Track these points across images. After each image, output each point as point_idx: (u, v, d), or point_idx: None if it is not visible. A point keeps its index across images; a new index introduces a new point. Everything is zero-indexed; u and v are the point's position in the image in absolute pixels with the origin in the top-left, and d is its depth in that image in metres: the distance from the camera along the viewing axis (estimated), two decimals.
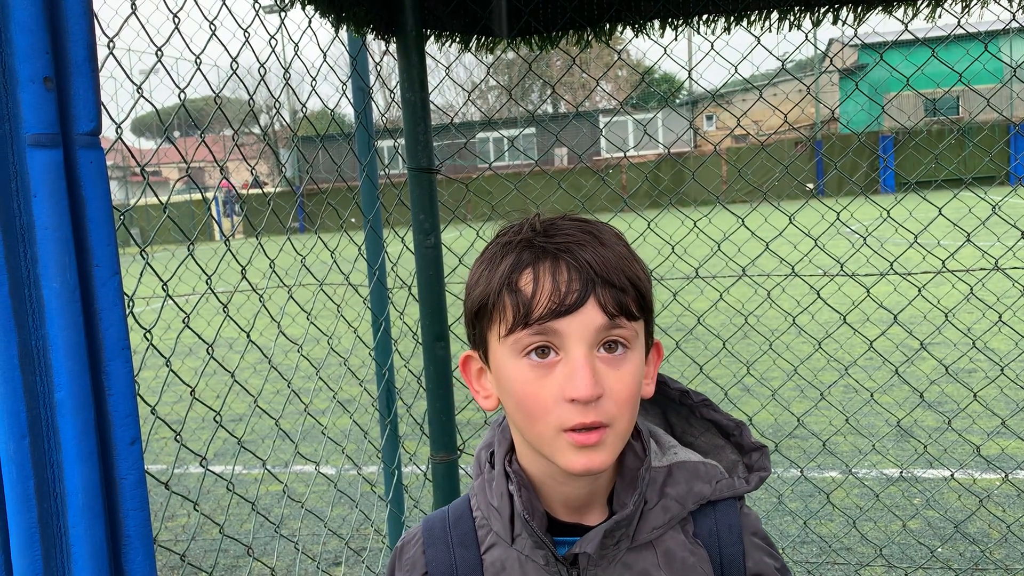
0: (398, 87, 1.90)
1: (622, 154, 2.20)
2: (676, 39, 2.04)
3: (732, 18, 1.86)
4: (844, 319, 2.19)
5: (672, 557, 0.90)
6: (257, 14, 1.68)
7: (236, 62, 1.62)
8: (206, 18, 1.52)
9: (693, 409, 1.01)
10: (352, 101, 2.57)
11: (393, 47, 1.90)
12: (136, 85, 1.40)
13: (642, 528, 0.90)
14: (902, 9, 1.81)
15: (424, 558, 0.96)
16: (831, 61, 2.14)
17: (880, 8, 1.83)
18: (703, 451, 0.99)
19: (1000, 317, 2.49)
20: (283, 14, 1.72)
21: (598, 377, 0.80)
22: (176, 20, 1.43)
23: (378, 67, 2.41)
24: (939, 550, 3.27)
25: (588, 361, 0.80)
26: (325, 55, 2.06)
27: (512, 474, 0.91)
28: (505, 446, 0.94)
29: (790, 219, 2.10)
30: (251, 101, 1.72)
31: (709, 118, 28.72)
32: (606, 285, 0.82)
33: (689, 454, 0.95)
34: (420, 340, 1.97)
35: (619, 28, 1.95)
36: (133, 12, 1.33)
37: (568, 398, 0.80)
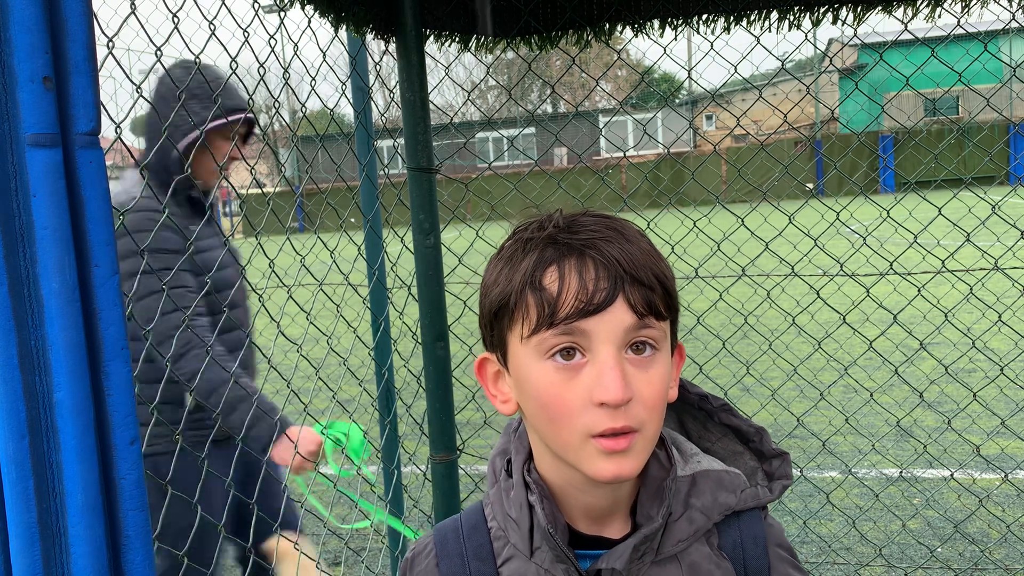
0: (397, 87, 1.90)
1: (622, 154, 2.20)
2: (676, 39, 2.04)
3: (732, 18, 1.86)
4: (844, 319, 2.19)
5: (698, 570, 0.86)
6: (256, 14, 1.68)
7: (235, 62, 1.61)
8: (205, 18, 1.52)
9: (711, 414, 0.97)
10: (352, 101, 2.57)
11: (392, 47, 1.90)
12: (135, 85, 1.40)
13: (667, 541, 0.86)
14: (902, 9, 1.81)
15: (437, 571, 0.91)
16: (831, 61, 2.14)
17: (880, 8, 1.83)
18: (721, 457, 0.95)
19: (1000, 317, 2.49)
20: (282, 14, 1.72)
21: (627, 379, 0.77)
22: (175, 20, 1.43)
23: (377, 67, 2.41)
24: (939, 550, 3.27)
25: (617, 363, 0.77)
26: (324, 55, 2.06)
27: (532, 484, 0.87)
28: (523, 453, 0.90)
29: (790, 219, 2.11)
30: (251, 101, 1.72)
31: (709, 118, 28.71)
32: (635, 283, 0.78)
33: (712, 462, 0.91)
34: (420, 340, 1.97)
35: (619, 28, 1.95)
36: (132, 12, 1.33)
37: (597, 402, 0.76)
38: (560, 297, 0.78)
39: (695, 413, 0.99)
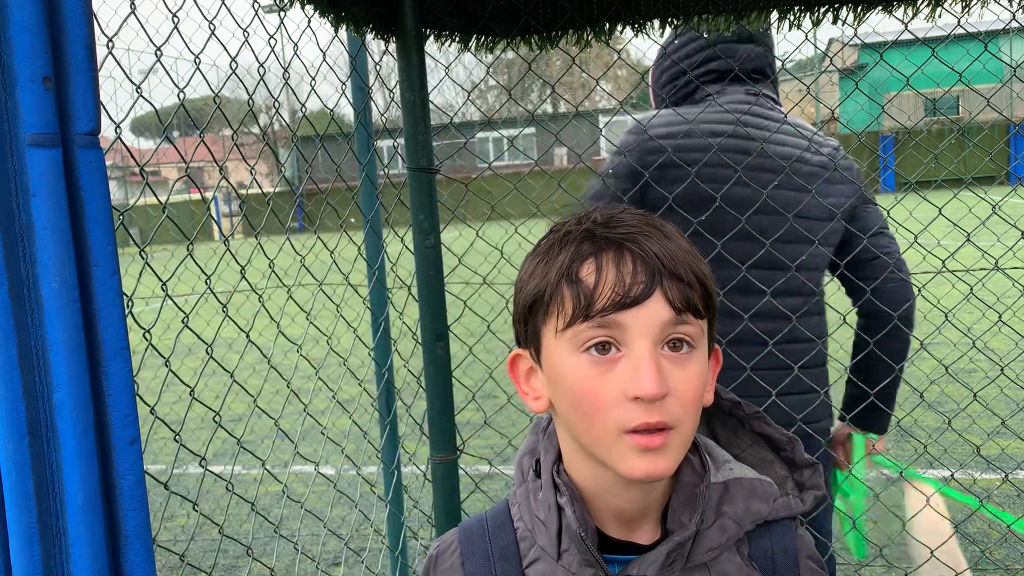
0: (397, 87, 1.90)
1: (622, 154, 2.19)
2: (676, 39, 2.04)
3: (732, 18, 1.86)
4: (844, 319, 2.18)
5: None
6: (256, 14, 1.68)
7: (235, 62, 1.61)
8: (205, 18, 1.52)
9: (743, 421, 0.96)
10: (351, 101, 2.57)
11: (392, 47, 1.90)
12: (135, 85, 1.40)
13: (697, 549, 0.85)
14: (902, 9, 1.81)
15: (463, 570, 0.90)
16: (831, 61, 2.13)
17: (880, 8, 1.83)
18: (750, 465, 0.94)
19: (1000, 317, 2.48)
20: (282, 14, 1.72)
21: (663, 375, 0.76)
22: (175, 20, 1.43)
23: (377, 67, 2.41)
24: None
25: (653, 357, 0.76)
26: (324, 55, 2.06)
27: (562, 485, 0.85)
28: (553, 454, 0.89)
29: (790, 219, 2.10)
30: (250, 101, 1.72)
31: None
32: (673, 278, 0.77)
33: (744, 470, 0.90)
34: (420, 340, 1.97)
35: (619, 28, 1.95)
36: (132, 12, 1.33)
37: (632, 396, 0.75)
38: (597, 289, 0.77)
39: (726, 419, 0.98)
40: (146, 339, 1.31)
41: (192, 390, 1.50)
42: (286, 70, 1.90)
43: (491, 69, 2.17)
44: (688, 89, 2.04)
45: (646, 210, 1.77)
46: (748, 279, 1.89)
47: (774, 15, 1.87)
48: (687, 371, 0.78)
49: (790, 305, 1.96)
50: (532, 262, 0.85)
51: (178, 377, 1.48)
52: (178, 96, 1.46)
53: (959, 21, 1.81)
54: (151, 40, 1.46)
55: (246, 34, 1.67)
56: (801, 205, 1.92)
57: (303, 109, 1.90)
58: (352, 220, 3.14)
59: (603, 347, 0.78)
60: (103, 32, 1.26)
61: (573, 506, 0.84)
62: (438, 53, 2.03)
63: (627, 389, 0.76)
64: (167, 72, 1.45)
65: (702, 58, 2.01)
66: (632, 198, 1.90)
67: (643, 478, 0.77)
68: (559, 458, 0.89)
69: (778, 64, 2.07)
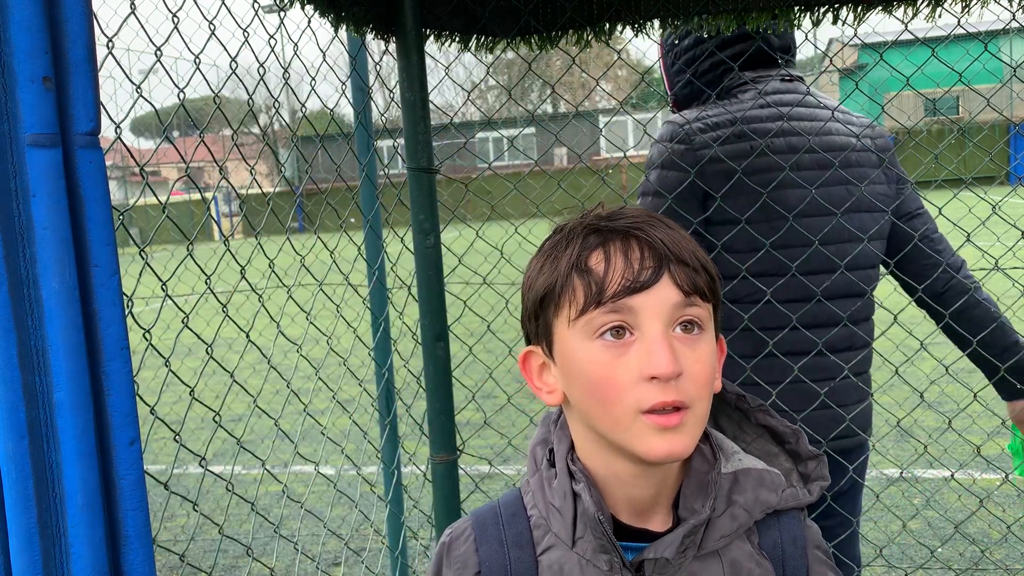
0: (397, 87, 1.90)
1: (622, 154, 2.20)
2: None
3: (732, 18, 1.86)
4: (844, 319, 2.18)
5: (738, 568, 0.86)
6: (256, 14, 1.68)
7: (235, 62, 1.61)
8: (205, 18, 1.52)
9: (748, 414, 0.97)
10: (351, 101, 2.57)
11: (392, 47, 1.90)
12: (135, 85, 1.40)
13: (709, 536, 0.86)
14: (902, 9, 1.81)
15: (477, 557, 0.91)
16: (831, 61, 2.13)
17: (880, 8, 1.82)
18: (756, 457, 0.95)
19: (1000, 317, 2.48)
20: (282, 14, 1.72)
21: (676, 355, 0.78)
22: (175, 20, 1.43)
23: (377, 67, 2.41)
24: (939, 550, 3.27)
25: (665, 337, 0.78)
26: (324, 55, 2.06)
27: (577, 473, 0.87)
28: (566, 444, 0.91)
29: (790, 219, 2.10)
30: (250, 101, 1.72)
31: None
32: (679, 263, 0.80)
33: (753, 461, 0.91)
34: (419, 340, 1.97)
35: (619, 28, 1.95)
36: (132, 12, 1.33)
37: (647, 375, 0.77)
38: (607, 276, 0.79)
39: (731, 413, 0.99)
40: (146, 339, 1.31)
41: (192, 390, 1.50)
42: (286, 70, 1.90)
43: (491, 69, 2.17)
44: (710, 78, 1.92)
45: (709, 227, 1.68)
46: (815, 286, 1.82)
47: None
48: (698, 352, 0.80)
49: (854, 308, 1.89)
50: (539, 260, 0.87)
51: (178, 377, 1.48)
52: (178, 96, 1.46)
53: (959, 21, 1.81)
54: (151, 40, 1.46)
55: (246, 34, 1.67)
56: (853, 198, 1.82)
57: (303, 109, 1.90)
58: (352, 220, 3.14)
59: (616, 331, 0.79)
60: (103, 32, 1.26)
61: (590, 492, 0.85)
62: (438, 53, 2.03)
63: (642, 370, 0.77)
64: (167, 72, 1.45)
65: (719, 42, 1.88)
66: (693, 215, 1.79)
67: (663, 458, 0.78)
68: (572, 448, 0.90)
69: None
